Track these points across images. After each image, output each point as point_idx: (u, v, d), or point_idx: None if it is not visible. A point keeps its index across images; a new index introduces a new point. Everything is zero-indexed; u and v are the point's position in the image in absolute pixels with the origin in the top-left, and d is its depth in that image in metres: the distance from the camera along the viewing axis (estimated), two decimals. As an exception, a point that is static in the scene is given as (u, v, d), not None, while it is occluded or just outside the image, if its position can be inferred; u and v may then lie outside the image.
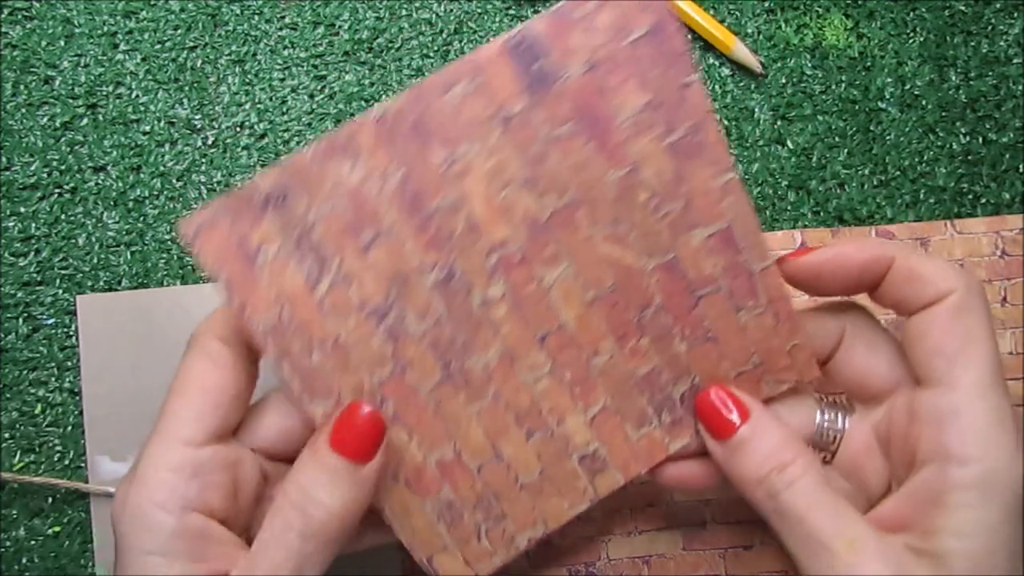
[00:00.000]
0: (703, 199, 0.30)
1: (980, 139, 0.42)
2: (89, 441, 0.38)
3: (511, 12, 0.42)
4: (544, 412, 0.31)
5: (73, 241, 0.39)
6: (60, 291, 0.39)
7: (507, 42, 0.28)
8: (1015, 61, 0.42)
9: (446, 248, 0.29)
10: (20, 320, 0.39)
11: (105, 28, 0.40)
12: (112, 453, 0.38)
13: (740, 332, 0.31)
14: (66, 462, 0.38)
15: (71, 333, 0.39)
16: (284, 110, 0.41)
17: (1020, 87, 0.42)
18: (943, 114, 0.42)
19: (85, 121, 0.40)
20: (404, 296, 0.29)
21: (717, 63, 0.42)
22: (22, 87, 0.40)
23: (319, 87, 0.41)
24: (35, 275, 0.39)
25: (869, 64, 0.42)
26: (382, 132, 0.28)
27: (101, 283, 0.39)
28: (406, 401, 0.30)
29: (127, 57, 0.40)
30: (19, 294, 0.39)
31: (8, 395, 0.38)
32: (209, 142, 0.40)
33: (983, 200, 0.41)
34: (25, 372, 0.38)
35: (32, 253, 0.39)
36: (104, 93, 0.40)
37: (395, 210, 0.29)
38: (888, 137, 0.42)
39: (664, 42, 0.28)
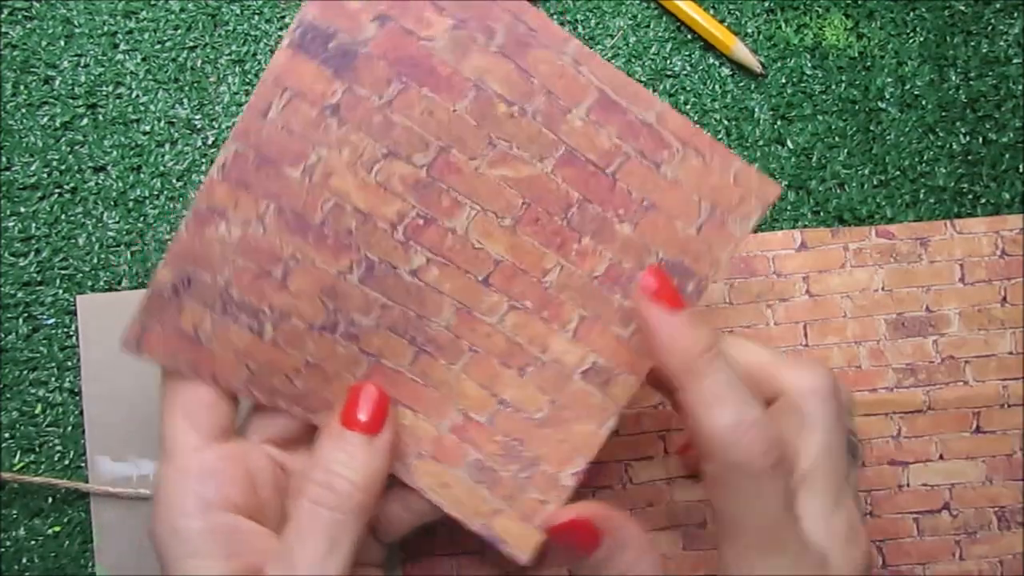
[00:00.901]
0: (560, 80, 0.29)
1: (980, 139, 0.42)
2: (89, 441, 0.38)
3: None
4: (525, 346, 0.31)
5: (73, 241, 0.39)
6: (60, 291, 0.39)
7: (291, 41, 0.28)
8: (1015, 61, 0.42)
9: (352, 246, 0.30)
10: (20, 320, 0.39)
11: (105, 28, 0.40)
12: (112, 453, 0.38)
13: (674, 186, 0.30)
14: (66, 462, 0.38)
15: (71, 333, 0.39)
16: (284, 110, 0.41)
17: (1020, 87, 0.42)
18: (943, 114, 0.42)
19: (85, 121, 0.40)
20: (341, 303, 0.30)
21: (717, 63, 0.42)
22: (22, 87, 0.40)
23: (319, 87, 0.41)
24: (35, 275, 0.39)
25: (869, 64, 0.42)
26: (231, 182, 0.29)
27: (101, 283, 0.39)
28: (395, 384, 0.31)
29: (127, 57, 0.40)
30: (19, 294, 0.39)
31: (8, 395, 0.38)
32: (209, 142, 0.40)
33: (983, 200, 0.41)
34: (25, 372, 0.38)
35: (32, 253, 0.39)
36: (104, 93, 0.40)
37: (288, 238, 0.29)
38: (888, 137, 0.42)
39: None
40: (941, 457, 0.40)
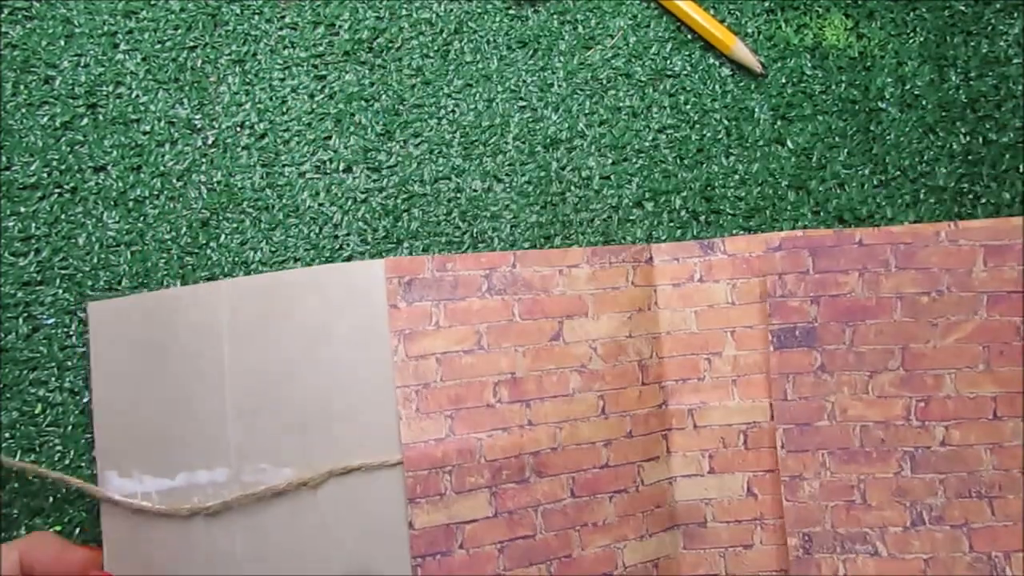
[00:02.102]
0: (950, 257, 0.38)
1: (980, 139, 0.42)
2: (100, 456, 0.37)
3: (511, 12, 0.42)
4: None
5: (73, 241, 0.39)
6: (60, 291, 0.39)
7: (773, 345, 0.38)
8: (1015, 61, 0.42)
9: (889, 450, 0.38)
10: (20, 320, 0.39)
11: (105, 28, 0.40)
12: (120, 468, 0.36)
13: None
14: (66, 462, 0.38)
15: (71, 333, 0.39)
16: (284, 110, 0.41)
17: (1020, 87, 0.42)
18: (943, 114, 0.42)
19: (85, 121, 0.40)
20: (912, 496, 0.38)
21: (717, 63, 0.42)
22: (22, 87, 0.40)
23: (319, 87, 0.41)
24: (35, 275, 0.39)
25: (869, 64, 0.42)
26: (793, 451, 0.38)
27: (101, 283, 0.39)
28: (996, 539, 0.37)
29: (127, 57, 0.40)
30: (19, 294, 0.39)
31: (8, 395, 0.38)
32: (209, 142, 0.40)
33: (983, 200, 0.41)
34: (25, 372, 0.38)
35: (32, 253, 0.39)
36: (104, 93, 0.40)
37: (849, 468, 0.38)
38: (888, 137, 0.42)
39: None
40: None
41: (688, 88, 0.42)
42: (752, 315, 0.40)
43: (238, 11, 0.41)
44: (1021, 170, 0.42)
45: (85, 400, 0.38)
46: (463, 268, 0.37)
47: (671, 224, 0.41)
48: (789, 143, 0.42)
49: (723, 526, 0.39)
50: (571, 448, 0.37)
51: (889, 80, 0.42)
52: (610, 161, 0.41)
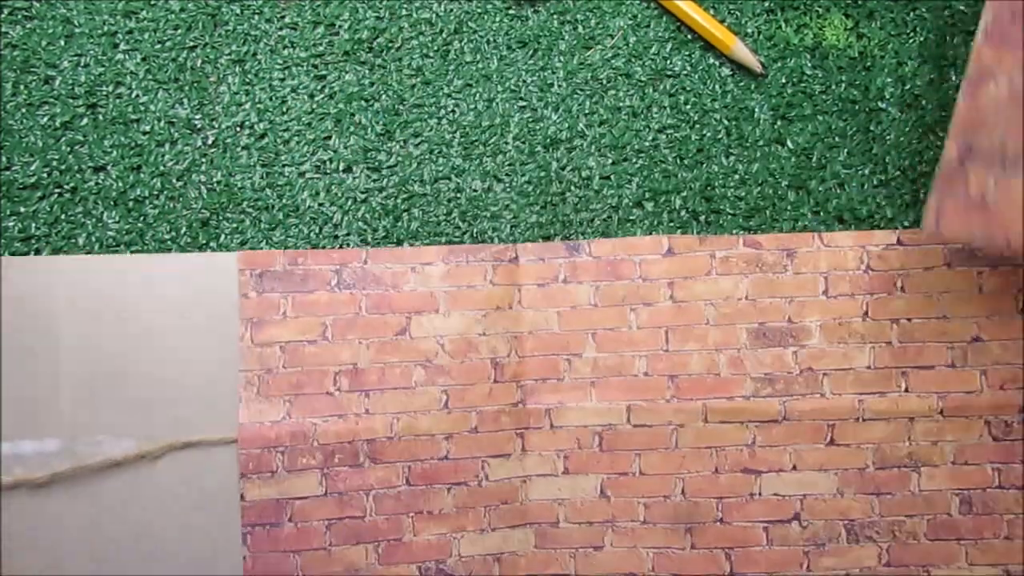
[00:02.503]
0: None
1: (980, 139, 0.42)
2: None
3: (511, 12, 0.42)
4: None
5: (73, 241, 0.39)
6: (60, 291, 0.39)
7: None
8: (1015, 61, 0.42)
9: None
10: (20, 320, 0.39)
11: (105, 28, 0.40)
12: None
13: None
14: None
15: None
16: (284, 110, 0.41)
17: (1020, 87, 0.42)
18: (943, 114, 0.42)
19: (85, 121, 0.40)
20: None
21: (717, 63, 0.42)
22: (22, 87, 0.40)
23: (319, 87, 0.41)
24: (35, 275, 0.39)
25: (869, 64, 0.42)
26: (994, 42, 0.32)
27: (101, 283, 0.39)
28: None
29: (127, 57, 0.40)
30: (19, 294, 0.39)
31: (8, 395, 0.38)
32: (209, 142, 0.40)
33: (983, 200, 0.42)
34: (25, 372, 0.38)
35: (32, 253, 0.39)
36: (104, 93, 0.40)
37: None
38: (888, 137, 0.42)
39: None
40: (794, 468, 0.39)
41: (688, 88, 0.42)
42: (613, 317, 0.40)
43: (238, 11, 0.41)
44: (1021, 170, 0.42)
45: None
46: (314, 263, 0.39)
47: (671, 224, 0.41)
48: (789, 143, 0.42)
49: (575, 527, 0.39)
50: (408, 438, 0.38)
51: (889, 80, 0.42)
52: (610, 161, 0.41)
